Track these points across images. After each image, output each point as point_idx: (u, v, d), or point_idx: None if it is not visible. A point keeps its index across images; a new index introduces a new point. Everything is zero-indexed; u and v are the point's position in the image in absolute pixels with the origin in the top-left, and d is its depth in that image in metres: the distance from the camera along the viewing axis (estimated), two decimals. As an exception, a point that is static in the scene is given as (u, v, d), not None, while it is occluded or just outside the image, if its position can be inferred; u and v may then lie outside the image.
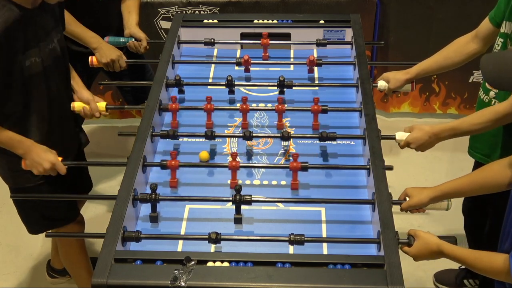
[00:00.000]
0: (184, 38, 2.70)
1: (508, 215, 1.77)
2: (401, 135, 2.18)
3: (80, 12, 2.61)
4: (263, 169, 2.12)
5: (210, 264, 1.68)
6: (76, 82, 2.39)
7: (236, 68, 2.56)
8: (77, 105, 2.35)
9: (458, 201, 2.36)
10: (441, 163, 3.58)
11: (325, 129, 2.21)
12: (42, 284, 2.99)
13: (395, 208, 1.88)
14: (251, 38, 2.67)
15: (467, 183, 1.91)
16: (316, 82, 2.51)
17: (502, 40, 2.20)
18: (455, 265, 2.81)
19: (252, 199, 1.89)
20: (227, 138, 2.24)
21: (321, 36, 2.68)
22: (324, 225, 1.92)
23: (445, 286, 2.89)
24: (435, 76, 3.73)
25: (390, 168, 2.00)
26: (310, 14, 3.26)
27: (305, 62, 2.49)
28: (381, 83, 2.43)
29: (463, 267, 2.84)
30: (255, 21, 2.71)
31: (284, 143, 2.20)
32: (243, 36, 2.69)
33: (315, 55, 2.64)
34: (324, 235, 1.89)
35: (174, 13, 3.43)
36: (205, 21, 2.74)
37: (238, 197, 1.87)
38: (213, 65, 2.62)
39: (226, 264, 1.69)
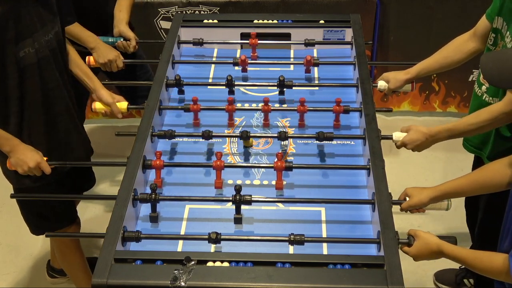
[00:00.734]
0: (184, 38, 2.70)
1: (508, 213, 1.77)
2: (398, 136, 2.18)
3: (80, 12, 2.61)
4: (263, 169, 2.12)
5: (210, 264, 1.68)
6: (93, 81, 2.38)
7: (236, 68, 2.56)
8: (98, 106, 2.36)
9: (458, 201, 2.35)
10: (441, 163, 3.58)
11: (326, 129, 2.21)
12: (42, 284, 2.99)
13: (395, 208, 1.88)
14: (250, 38, 2.67)
15: (467, 183, 1.91)
16: (316, 82, 2.51)
17: (494, 35, 2.20)
18: (455, 265, 2.81)
19: (252, 199, 1.89)
20: (227, 138, 2.24)
21: (321, 36, 2.68)
22: (324, 225, 1.92)
23: (445, 285, 2.89)
24: (435, 75, 3.74)
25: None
26: (310, 14, 3.25)
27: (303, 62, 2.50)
28: (381, 83, 2.43)
29: (463, 266, 2.83)
30: (255, 21, 2.71)
31: (283, 143, 2.20)
32: (243, 36, 2.69)
33: (315, 55, 2.64)
34: (324, 235, 1.89)
35: (174, 13, 3.43)
36: (205, 21, 2.74)
37: (238, 197, 1.87)
38: (213, 65, 2.62)
39: (226, 264, 1.69)
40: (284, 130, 2.17)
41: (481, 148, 2.36)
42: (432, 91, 3.84)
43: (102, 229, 1.81)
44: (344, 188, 2.05)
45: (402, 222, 3.08)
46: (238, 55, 2.66)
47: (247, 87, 2.47)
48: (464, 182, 1.92)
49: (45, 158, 2.15)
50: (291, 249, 1.82)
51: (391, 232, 1.75)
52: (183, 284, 1.61)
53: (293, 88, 2.38)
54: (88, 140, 2.52)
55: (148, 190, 2.04)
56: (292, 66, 2.60)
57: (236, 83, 2.40)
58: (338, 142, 2.18)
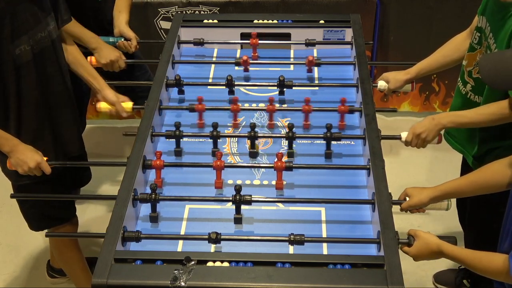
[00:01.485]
0: (184, 38, 2.70)
1: (508, 214, 1.77)
2: (405, 134, 2.20)
3: (80, 12, 2.61)
4: (263, 169, 2.12)
5: (210, 264, 1.68)
6: (98, 81, 2.38)
7: (236, 68, 2.56)
8: (103, 106, 2.37)
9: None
10: (441, 163, 3.58)
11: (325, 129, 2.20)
12: (42, 284, 2.99)
13: (395, 208, 1.88)
14: (251, 38, 2.67)
15: (467, 183, 1.91)
16: (316, 82, 2.51)
17: (478, 34, 2.21)
18: (454, 266, 2.82)
19: (252, 199, 1.89)
20: (227, 138, 2.24)
21: (321, 36, 2.68)
22: (324, 225, 1.92)
23: (444, 286, 2.89)
24: (434, 75, 3.74)
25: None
26: (310, 14, 3.26)
27: (304, 62, 2.50)
28: (381, 83, 2.44)
29: (462, 267, 2.83)
30: (255, 21, 2.71)
31: (284, 143, 2.20)
32: (243, 36, 2.69)
33: (315, 55, 2.64)
34: (324, 235, 1.89)
35: (174, 13, 3.43)
36: (205, 21, 2.74)
37: (238, 197, 1.87)
38: (213, 65, 2.62)
39: (226, 264, 1.69)
40: (288, 131, 2.15)
41: (465, 146, 2.35)
42: (432, 91, 3.84)
43: (102, 229, 1.81)
44: (344, 188, 2.05)
45: (402, 222, 3.08)
46: (238, 55, 2.67)
47: (247, 87, 2.47)
48: (464, 182, 1.92)
49: (45, 158, 2.15)
50: (291, 249, 1.82)
51: (391, 232, 1.75)
52: (183, 284, 1.61)
53: (293, 88, 2.38)
54: (81, 137, 2.52)
55: (148, 190, 2.04)
56: (292, 66, 2.60)
57: (236, 83, 2.39)
58: (338, 142, 2.18)
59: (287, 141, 2.16)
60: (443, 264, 2.88)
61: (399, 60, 3.68)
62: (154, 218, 1.93)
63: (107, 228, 1.78)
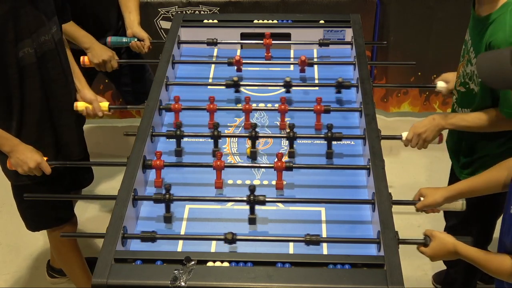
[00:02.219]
0: (184, 38, 2.70)
1: (506, 211, 1.77)
2: (406, 133, 2.21)
3: (80, 12, 2.61)
4: (263, 169, 2.12)
5: (210, 264, 1.68)
6: (80, 81, 2.39)
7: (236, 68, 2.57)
8: (79, 105, 2.37)
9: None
10: (441, 163, 3.57)
11: (326, 129, 2.20)
12: (42, 284, 2.99)
13: (395, 208, 1.88)
14: (251, 38, 2.67)
15: (481, 181, 1.91)
16: (316, 82, 2.51)
17: (464, 46, 2.24)
18: (432, 266, 2.82)
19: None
20: (227, 138, 2.24)
21: (321, 36, 2.68)
22: (324, 225, 1.92)
23: (442, 286, 2.88)
24: (435, 76, 3.73)
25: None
26: (310, 14, 3.25)
27: (306, 62, 2.50)
28: (440, 84, 2.43)
29: None
30: (255, 21, 2.71)
31: (284, 143, 2.20)
32: (243, 36, 2.69)
33: (315, 55, 2.65)
34: (324, 235, 1.88)
35: (174, 13, 3.43)
36: (205, 21, 2.74)
37: (252, 197, 1.87)
38: (213, 65, 2.62)
39: (226, 264, 1.69)
40: (288, 131, 2.15)
41: (453, 153, 2.37)
42: (432, 92, 3.83)
43: (102, 229, 1.81)
44: (344, 188, 2.05)
45: (402, 222, 3.08)
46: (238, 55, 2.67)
47: (247, 87, 2.46)
48: (479, 181, 1.92)
49: (45, 158, 2.15)
50: (291, 249, 1.82)
51: (391, 232, 1.75)
52: (183, 284, 1.61)
53: (293, 88, 2.38)
54: (84, 138, 2.52)
55: (149, 190, 2.05)
56: (292, 66, 2.60)
57: (241, 83, 2.39)
58: (338, 142, 2.18)
59: (287, 141, 2.16)
60: (442, 265, 2.87)
61: (399, 60, 3.68)
62: (168, 218, 1.92)
63: (107, 228, 1.78)
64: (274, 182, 2.03)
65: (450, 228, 2.49)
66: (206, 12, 3.46)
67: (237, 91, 2.40)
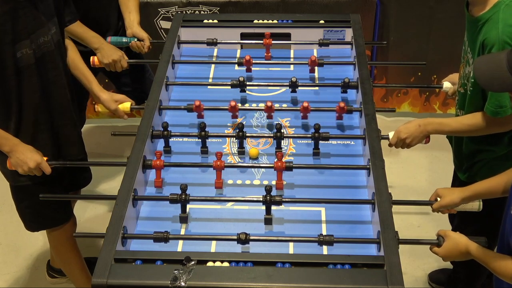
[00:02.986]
0: (184, 38, 2.70)
1: (507, 214, 1.77)
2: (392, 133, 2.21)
3: (81, 12, 2.61)
4: (263, 169, 2.12)
5: (210, 264, 1.68)
6: (93, 85, 2.40)
7: (236, 68, 2.56)
8: (101, 110, 2.40)
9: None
10: (441, 163, 3.58)
11: (326, 129, 2.20)
12: (42, 284, 2.99)
13: (395, 208, 1.88)
14: (251, 38, 2.67)
15: (499, 183, 1.90)
16: (317, 82, 2.51)
17: (463, 47, 2.24)
18: (448, 265, 2.82)
19: (252, 199, 1.89)
20: (227, 138, 2.24)
21: (321, 36, 2.68)
22: (324, 225, 1.92)
23: (439, 285, 2.88)
24: (435, 76, 3.73)
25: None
26: (310, 14, 3.26)
27: (307, 62, 2.49)
28: (446, 85, 2.42)
29: None
30: (255, 21, 2.71)
31: (284, 143, 2.20)
32: (243, 36, 2.69)
33: (316, 55, 2.65)
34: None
35: (174, 13, 3.43)
36: (205, 21, 2.74)
37: (268, 197, 1.87)
38: (213, 65, 2.62)
39: (226, 264, 1.69)
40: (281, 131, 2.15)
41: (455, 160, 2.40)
42: (432, 92, 3.84)
43: (102, 229, 1.81)
44: (344, 188, 2.05)
45: (402, 222, 3.08)
46: (238, 55, 2.67)
47: (247, 87, 2.46)
48: (496, 182, 1.91)
49: (45, 158, 2.15)
50: (291, 249, 1.82)
51: (391, 232, 1.75)
52: (183, 284, 1.61)
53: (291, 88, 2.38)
54: (82, 139, 2.52)
55: (149, 190, 2.05)
56: (292, 66, 2.60)
57: (245, 83, 2.38)
58: (338, 142, 2.18)
59: (287, 141, 2.17)
60: (442, 265, 2.87)
61: (399, 60, 3.68)
62: (184, 218, 1.92)
63: (107, 228, 1.78)
64: (274, 182, 2.03)
65: (456, 229, 2.49)
66: (206, 12, 3.46)
67: (243, 90, 2.40)
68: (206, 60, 2.66)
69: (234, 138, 2.21)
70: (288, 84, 2.37)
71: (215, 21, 2.73)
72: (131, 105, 2.41)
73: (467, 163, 2.30)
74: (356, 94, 2.39)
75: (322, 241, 1.77)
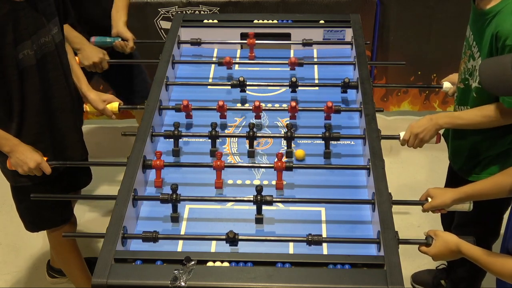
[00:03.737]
0: (184, 38, 2.70)
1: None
2: (404, 133, 2.21)
3: (76, 10, 2.61)
4: (263, 169, 2.12)
5: (210, 264, 1.68)
6: (82, 84, 2.39)
7: (237, 68, 2.56)
8: (89, 109, 2.39)
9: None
10: (441, 163, 3.56)
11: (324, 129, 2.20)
12: (42, 284, 2.99)
13: (395, 208, 1.88)
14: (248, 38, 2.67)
15: (490, 185, 1.91)
16: (317, 82, 2.51)
17: (465, 43, 2.23)
18: (432, 266, 2.82)
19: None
20: (227, 138, 2.24)
21: (321, 36, 2.68)
22: (324, 225, 1.92)
23: (422, 286, 2.87)
24: (435, 75, 3.73)
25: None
26: (310, 14, 3.26)
27: (306, 62, 2.50)
28: (446, 85, 2.42)
29: (440, 267, 2.84)
30: (255, 21, 2.71)
31: (284, 143, 2.20)
32: (243, 36, 2.69)
33: (315, 55, 2.65)
34: (324, 235, 1.88)
35: (174, 13, 3.43)
36: (205, 21, 2.74)
37: (259, 197, 1.87)
38: (213, 65, 2.62)
39: (226, 264, 1.69)
40: (287, 130, 2.15)
41: (457, 154, 2.38)
42: (432, 90, 3.84)
43: (102, 229, 1.81)
44: (344, 188, 2.05)
45: (402, 222, 3.08)
46: (238, 55, 2.67)
47: (247, 87, 2.46)
48: (487, 185, 1.92)
49: (45, 158, 2.15)
50: (291, 249, 1.82)
51: (391, 232, 1.75)
52: (183, 284, 1.61)
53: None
54: (83, 140, 2.52)
55: (149, 190, 2.05)
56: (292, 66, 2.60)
57: (246, 83, 2.38)
58: (338, 142, 2.18)
59: (285, 141, 2.17)
60: (433, 265, 2.87)
61: (399, 60, 3.67)
62: (175, 218, 1.92)
63: (107, 228, 1.78)
64: (274, 182, 2.03)
65: (455, 228, 2.49)
66: (206, 12, 3.46)
67: (243, 90, 2.40)
68: (206, 60, 2.66)
69: (236, 138, 2.22)
70: (288, 84, 2.38)
71: (215, 21, 2.73)
72: (119, 105, 2.41)
73: (470, 161, 2.29)
74: (356, 94, 2.39)
75: (311, 241, 1.77)
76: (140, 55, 3.05)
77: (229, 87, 2.40)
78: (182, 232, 1.91)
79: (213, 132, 2.14)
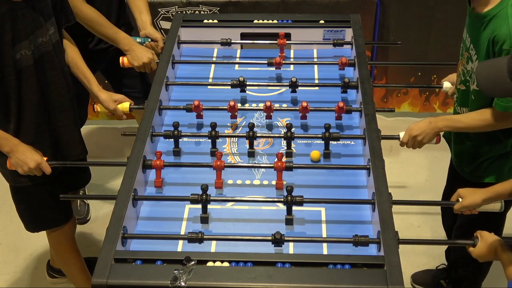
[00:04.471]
0: (184, 38, 2.70)
1: None
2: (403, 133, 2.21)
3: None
4: (263, 169, 2.12)
5: (210, 264, 1.68)
6: (92, 84, 2.38)
7: (237, 68, 2.56)
8: (100, 109, 2.39)
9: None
10: (441, 163, 3.56)
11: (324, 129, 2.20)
12: (42, 284, 2.99)
13: (395, 208, 1.88)
14: (251, 38, 2.67)
15: None
16: (317, 82, 2.51)
17: (462, 45, 2.24)
18: (432, 265, 2.82)
19: (252, 199, 1.88)
20: (227, 138, 2.24)
21: (321, 36, 2.68)
22: (324, 225, 1.92)
23: (422, 286, 2.87)
24: (435, 76, 3.73)
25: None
26: (310, 14, 3.26)
27: (306, 62, 2.50)
28: (446, 84, 2.42)
29: (440, 267, 2.84)
30: (255, 21, 2.71)
31: (283, 143, 2.20)
32: (243, 36, 2.69)
33: (315, 55, 2.65)
34: (324, 235, 1.89)
35: (174, 13, 3.43)
36: (205, 21, 2.74)
37: (289, 198, 1.87)
38: (213, 65, 2.62)
39: (226, 264, 1.69)
40: (287, 131, 2.15)
41: (457, 160, 2.38)
42: (432, 92, 3.84)
43: (102, 229, 1.81)
44: (344, 188, 2.05)
45: (402, 222, 3.08)
46: (238, 55, 2.67)
47: (247, 87, 2.46)
48: None
49: (45, 158, 2.15)
50: (291, 249, 1.82)
51: (391, 232, 1.75)
52: (183, 284, 1.61)
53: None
54: (82, 139, 2.52)
55: (149, 190, 2.05)
56: (292, 66, 2.60)
57: (245, 83, 2.38)
58: (338, 142, 2.18)
59: (285, 141, 2.17)
60: (431, 265, 2.87)
61: (399, 60, 3.68)
62: (205, 219, 1.91)
63: (107, 228, 1.78)
64: (274, 182, 2.03)
65: (457, 229, 2.48)
66: (206, 12, 3.46)
67: (243, 90, 2.40)
68: (206, 60, 2.66)
69: (236, 138, 2.22)
70: (288, 84, 2.38)
71: (215, 21, 2.74)
72: (130, 105, 2.40)
73: (472, 163, 2.29)
74: (356, 94, 2.39)
75: (311, 241, 1.77)
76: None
77: (229, 87, 2.40)
78: (182, 232, 1.91)
79: (213, 132, 2.14)
